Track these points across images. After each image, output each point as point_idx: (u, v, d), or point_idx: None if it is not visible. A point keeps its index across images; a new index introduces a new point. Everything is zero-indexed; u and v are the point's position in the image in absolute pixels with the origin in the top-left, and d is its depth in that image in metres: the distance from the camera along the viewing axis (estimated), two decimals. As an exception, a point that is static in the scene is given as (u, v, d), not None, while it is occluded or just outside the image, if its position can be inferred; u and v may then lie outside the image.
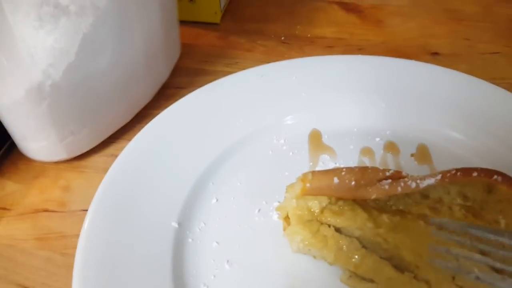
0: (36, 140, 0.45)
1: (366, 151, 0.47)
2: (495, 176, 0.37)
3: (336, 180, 0.37)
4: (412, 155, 0.47)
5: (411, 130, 0.48)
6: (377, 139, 0.48)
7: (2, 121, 0.45)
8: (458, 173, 0.37)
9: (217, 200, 0.43)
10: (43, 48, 0.40)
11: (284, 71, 0.52)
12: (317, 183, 0.37)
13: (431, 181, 0.37)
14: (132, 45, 0.47)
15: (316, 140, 0.49)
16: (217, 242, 0.40)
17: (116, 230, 0.39)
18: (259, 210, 0.43)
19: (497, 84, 0.50)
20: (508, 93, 0.49)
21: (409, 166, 0.46)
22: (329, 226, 0.38)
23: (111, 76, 0.46)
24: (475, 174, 0.37)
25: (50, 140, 0.45)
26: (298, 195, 0.39)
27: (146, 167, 0.44)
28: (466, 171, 0.37)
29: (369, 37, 0.65)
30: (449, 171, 0.37)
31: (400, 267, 0.36)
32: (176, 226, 0.40)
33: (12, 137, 0.47)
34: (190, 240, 0.40)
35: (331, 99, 0.51)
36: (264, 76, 0.52)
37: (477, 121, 0.48)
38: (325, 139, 0.49)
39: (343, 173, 0.38)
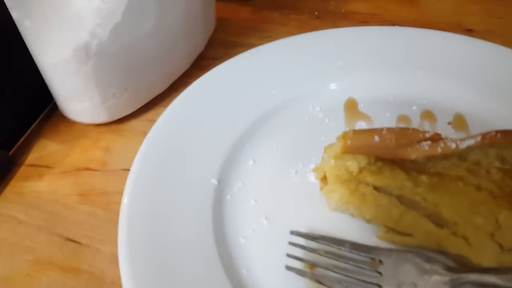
0: (79, 101, 0.47)
1: (403, 119, 0.48)
2: None
3: (376, 138, 0.38)
4: (449, 123, 0.47)
5: (448, 100, 0.48)
6: (414, 107, 0.48)
7: (47, 81, 0.46)
8: (498, 135, 0.37)
9: (254, 162, 0.44)
10: (90, 8, 0.41)
11: (320, 40, 0.53)
12: (358, 141, 0.38)
13: (471, 142, 0.37)
14: (173, 12, 0.48)
15: (352, 107, 0.49)
16: (255, 200, 0.41)
17: (158, 186, 0.40)
18: (296, 172, 0.43)
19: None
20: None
21: (446, 133, 0.46)
22: (368, 185, 0.39)
23: (154, 40, 0.47)
24: None
25: (93, 101, 0.47)
26: (337, 155, 0.39)
27: (186, 129, 0.45)
28: (507, 133, 0.37)
29: (403, 13, 0.65)
30: (489, 133, 0.37)
31: (439, 224, 0.37)
32: (216, 183, 0.41)
33: (55, 98, 0.49)
34: (228, 197, 0.41)
35: (367, 68, 0.51)
36: (300, 45, 0.52)
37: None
38: (361, 107, 0.49)
39: (384, 132, 0.38)
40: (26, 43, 0.43)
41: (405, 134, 0.38)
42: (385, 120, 0.47)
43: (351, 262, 0.36)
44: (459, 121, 0.47)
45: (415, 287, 0.34)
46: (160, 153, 0.42)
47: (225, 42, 0.61)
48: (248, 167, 0.44)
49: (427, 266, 0.35)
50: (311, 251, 0.37)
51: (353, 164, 0.39)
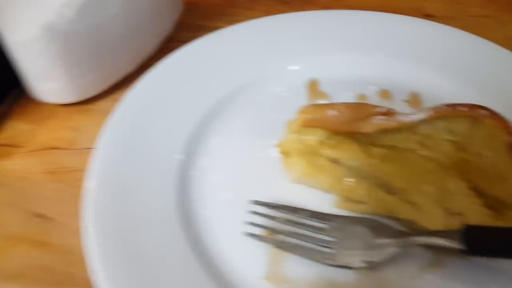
0: (47, 81, 0.47)
1: (362, 98, 0.50)
2: (484, 111, 0.40)
3: (334, 112, 0.40)
4: (404, 101, 0.49)
5: (405, 80, 0.51)
6: (373, 87, 0.51)
7: (14, 61, 0.47)
8: (448, 108, 0.40)
9: (219, 138, 0.46)
10: (57, -13, 0.42)
11: (284, 23, 0.55)
12: (316, 114, 0.40)
13: (422, 115, 0.40)
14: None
15: (314, 88, 0.51)
16: (219, 174, 0.43)
17: (122, 162, 0.41)
18: (260, 147, 0.45)
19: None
20: (497, 46, 0.51)
21: (402, 110, 0.48)
22: (325, 157, 0.41)
23: (121, 21, 0.48)
24: (465, 109, 0.40)
25: (61, 81, 0.48)
26: (298, 129, 0.41)
27: (151, 107, 0.46)
28: (455, 106, 0.40)
29: (366, 0, 0.67)
30: (439, 107, 0.40)
31: (390, 192, 0.39)
32: (180, 158, 0.43)
33: (23, 79, 0.49)
34: (193, 171, 0.43)
35: (329, 50, 0.53)
36: (264, 27, 0.54)
37: (467, 72, 0.51)
38: (323, 87, 0.51)
39: (340, 106, 0.40)
40: (-8, 22, 0.44)
41: (360, 109, 0.41)
42: (345, 99, 0.49)
43: (309, 229, 0.38)
44: (414, 99, 0.50)
45: (368, 250, 0.36)
46: (125, 130, 0.43)
47: (193, 25, 0.62)
48: (214, 143, 0.45)
49: (379, 230, 0.37)
50: (271, 219, 0.39)
51: (312, 138, 0.41)
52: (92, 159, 0.41)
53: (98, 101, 0.52)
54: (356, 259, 0.36)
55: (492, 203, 0.39)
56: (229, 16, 0.64)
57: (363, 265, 0.36)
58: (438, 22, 0.64)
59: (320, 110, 0.40)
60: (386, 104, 0.49)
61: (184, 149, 0.44)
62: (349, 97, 0.50)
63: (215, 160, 0.44)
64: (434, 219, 0.37)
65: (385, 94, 0.50)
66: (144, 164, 0.42)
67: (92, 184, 0.39)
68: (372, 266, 0.36)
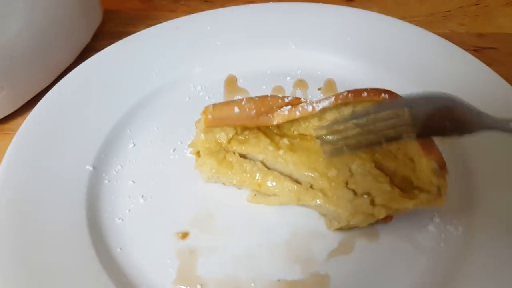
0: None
1: (277, 89, 0.50)
2: (383, 95, 0.40)
3: (236, 109, 0.39)
4: (319, 89, 0.49)
5: (319, 68, 0.51)
6: (288, 78, 0.51)
7: None
8: (350, 94, 0.40)
9: (134, 145, 0.45)
10: None
11: (198, 22, 0.54)
12: (218, 114, 0.39)
13: (325, 103, 0.40)
14: (45, 9, 0.48)
15: (231, 84, 0.51)
16: (133, 181, 0.42)
17: (29, 178, 0.40)
18: (174, 150, 0.45)
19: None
20: (403, 22, 0.52)
21: (316, 98, 0.48)
22: (234, 153, 0.41)
23: (27, 39, 0.47)
24: (365, 94, 0.40)
25: (-33, 102, 0.46)
26: (206, 129, 0.41)
27: (60, 120, 0.45)
28: (357, 92, 0.40)
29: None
30: (341, 93, 0.40)
31: (297, 181, 0.39)
32: (91, 169, 0.42)
33: None
34: (106, 181, 0.42)
35: (245, 45, 0.53)
36: (178, 28, 0.53)
37: (376, 52, 0.51)
38: (240, 82, 0.51)
39: (243, 102, 0.40)
40: None
41: (264, 103, 0.40)
42: (261, 92, 0.49)
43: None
44: (328, 86, 0.50)
45: None
46: (32, 146, 0.42)
47: (114, 33, 0.61)
48: (128, 151, 0.45)
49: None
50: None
51: (221, 136, 0.41)
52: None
53: (14, 118, 0.51)
54: None
55: (401, 184, 0.39)
56: (151, 20, 0.63)
57: None
58: (360, 5, 0.65)
59: (223, 109, 0.39)
60: (301, 94, 0.49)
61: (96, 160, 0.43)
62: (265, 90, 0.50)
63: (130, 167, 0.43)
64: (341, 201, 0.37)
65: (300, 83, 0.50)
66: (52, 179, 0.41)
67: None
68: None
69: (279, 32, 0.53)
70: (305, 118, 0.41)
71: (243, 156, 0.41)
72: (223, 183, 0.42)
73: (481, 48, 0.58)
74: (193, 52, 0.52)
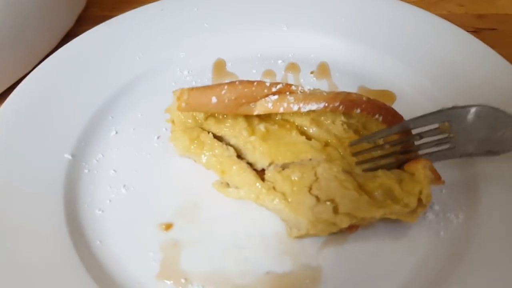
0: None
1: (268, 73, 0.47)
2: (377, 116, 0.38)
3: (214, 99, 0.36)
4: (311, 72, 0.47)
5: (312, 51, 0.49)
6: (280, 61, 0.48)
7: None
8: (341, 107, 0.37)
9: (116, 132, 0.43)
10: None
11: (184, 3, 0.51)
12: (193, 101, 0.37)
13: (313, 106, 0.37)
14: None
15: (220, 68, 0.48)
16: (114, 170, 0.40)
17: (7, 164, 0.38)
18: (158, 137, 0.43)
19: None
20: (403, 3, 0.50)
21: (308, 82, 0.46)
22: (208, 133, 0.38)
23: (4, 21, 0.44)
24: (357, 111, 0.37)
25: None
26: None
27: (37, 108, 0.42)
28: (349, 106, 0.37)
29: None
30: (334, 100, 0.37)
31: (262, 178, 0.37)
32: (70, 158, 0.40)
33: None
34: (86, 170, 0.40)
35: (234, 28, 0.50)
36: (164, 10, 0.51)
37: (375, 35, 0.48)
38: (229, 66, 0.49)
39: (223, 91, 0.36)
40: None
41: (247, 93, 0.37)
42: (251, 76, 0.47)
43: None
44: (322, 70, 0.47)
45: None
46: (7, 133, 0.40)
47: (98, 17, 0.58)
48: (110, 138, 0.42)
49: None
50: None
51: (199, 112, 0.39)
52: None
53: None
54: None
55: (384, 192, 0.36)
56: (136, 4, 0.60)
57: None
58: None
59: (200, 96, 0.36)
60: (292, 78, 0.47)
61: (75, 148, 0.41)
62: (255, 75, 0.48)
63: (111, 155, 0.41)
64: (302, 208, 0.34)
65: (292, 67, 0.48)
66: (29, 169, 0.38)
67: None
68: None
69: (270, 13, 0.51)
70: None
71: (216, 137, 0.38)
72: (194, 161, 0.40)
73: (481, 29, 0.55)
74: (179, 35, 0.49)
